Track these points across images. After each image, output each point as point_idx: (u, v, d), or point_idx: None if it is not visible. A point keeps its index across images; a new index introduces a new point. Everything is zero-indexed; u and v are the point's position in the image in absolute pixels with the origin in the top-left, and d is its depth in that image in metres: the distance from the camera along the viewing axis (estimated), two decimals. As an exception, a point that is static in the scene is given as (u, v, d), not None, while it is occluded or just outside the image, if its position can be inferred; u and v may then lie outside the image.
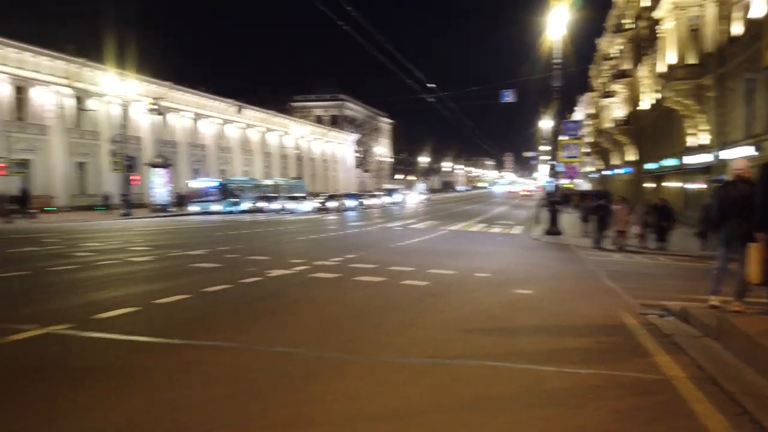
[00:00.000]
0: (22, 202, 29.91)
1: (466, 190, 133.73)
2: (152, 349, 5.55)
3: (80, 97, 40.04)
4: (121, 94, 35.96)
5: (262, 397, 4.23)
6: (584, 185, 68.85)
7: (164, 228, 24.57)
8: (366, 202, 49.78)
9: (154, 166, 38.79)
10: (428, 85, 44.72)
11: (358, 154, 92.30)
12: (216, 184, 40.27)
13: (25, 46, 35.55)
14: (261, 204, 40.09)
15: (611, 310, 7.67)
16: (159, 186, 38.24)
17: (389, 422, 3.85)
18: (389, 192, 61.18)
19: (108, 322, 6.41)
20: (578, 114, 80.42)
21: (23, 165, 32.75)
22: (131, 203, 33.70)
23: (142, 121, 44.70)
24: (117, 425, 3.73)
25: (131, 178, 35.20)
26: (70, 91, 38.98)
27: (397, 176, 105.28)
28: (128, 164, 34.31)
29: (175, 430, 3.69)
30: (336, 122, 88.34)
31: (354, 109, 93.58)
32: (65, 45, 38.36)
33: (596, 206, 18.08)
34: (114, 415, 3.88)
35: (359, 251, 14.31)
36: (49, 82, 37.41)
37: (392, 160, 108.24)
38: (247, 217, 33.39)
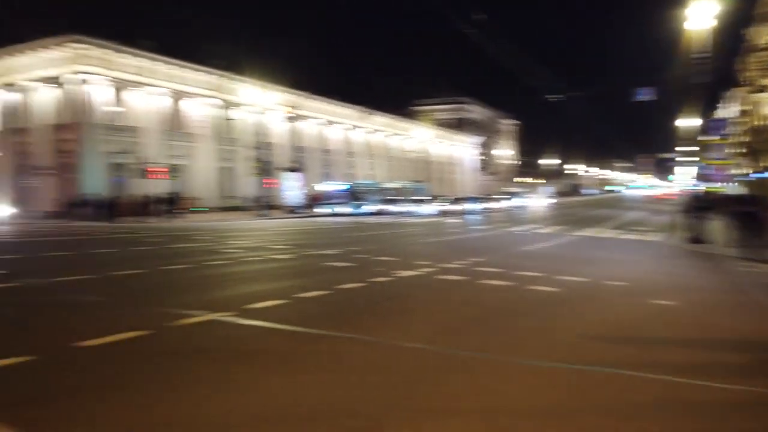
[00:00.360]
0: (171, 203, 33.67)
1: (599, 193, 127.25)
2: (303, 337, 6.16)
3: (225, 107, 43.98)
4: (262, 104, 39.11)
5: (402, 387, 4.58)
6: (733, 188, 62.54)
7: (298, 228, 26.25)
8: (488, 205, 49.26)
9: (290, 170, 41.72)
10: (554, 85, 43.22)
11: (482, 157, 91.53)
12: (346, 187, 42.38)
13: (184, 63, 39.93)
14: (385, 206, 41.30)
15: (764, 326, 7.12)
16: (292, 189, 40.98)
17: (528, 418, 4.02)
18: (511, 195, 59.99)
19: (262, 312, 7.18)
20: (722, 111, 73.24)
21: (177, 170, 36.77)
22: (268, 205, 36.50)
23: (276, 128, 48.01)
24: (278, 400, 4.28)
25: (265, 181, 38.09)
26: (217, 102, 42.98)
27: (522, 179, 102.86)
28: (264, 168, 37.31)
29: (327, 407, 4.15)
30: (457, 125, 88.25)
31: (475, 111, 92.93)
32: (213, 60, 42.46)
33: (748, 212, 16.50)
34: (272, 392, 4.45)
35: (484, 255, 14.38)
36: (199, 95, 41.60)
37: (518, 162, 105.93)
38: (372, 219, 34.58)
